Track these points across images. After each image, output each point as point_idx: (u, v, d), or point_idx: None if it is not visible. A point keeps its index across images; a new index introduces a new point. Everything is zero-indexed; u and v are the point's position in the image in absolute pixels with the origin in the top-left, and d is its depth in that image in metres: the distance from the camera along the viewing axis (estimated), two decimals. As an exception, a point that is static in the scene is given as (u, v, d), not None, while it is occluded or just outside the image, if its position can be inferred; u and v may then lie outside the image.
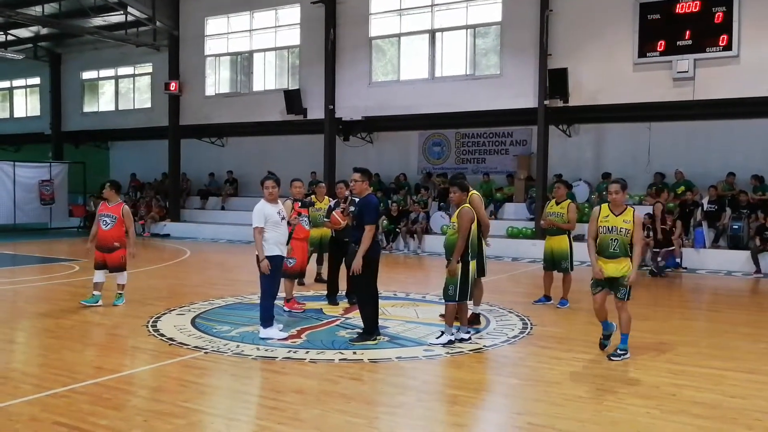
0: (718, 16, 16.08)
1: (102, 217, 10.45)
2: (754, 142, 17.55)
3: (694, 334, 9.27)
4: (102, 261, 10.44)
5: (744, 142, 17.65)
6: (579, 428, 5.43)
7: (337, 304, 10.62)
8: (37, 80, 31.16)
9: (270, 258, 8.34)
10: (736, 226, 16.11)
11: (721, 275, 15.14)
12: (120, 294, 10.58)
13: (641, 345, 8.31)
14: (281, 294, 9.43)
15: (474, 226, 8.00)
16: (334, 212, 10.48)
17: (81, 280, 11.28)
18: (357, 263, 8.00)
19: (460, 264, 7.92)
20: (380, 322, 8.54)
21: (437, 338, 8.21)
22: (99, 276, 10.48)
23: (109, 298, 10.46)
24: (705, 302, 12.77)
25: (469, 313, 8.94)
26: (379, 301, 8.54)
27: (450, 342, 8.08)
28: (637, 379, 6.77)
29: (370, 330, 8.20)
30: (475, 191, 8.95)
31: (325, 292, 10.98)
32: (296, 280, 11.01)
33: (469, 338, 8.27)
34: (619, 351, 7.48)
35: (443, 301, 8.28)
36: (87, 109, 29.51)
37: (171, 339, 8.34)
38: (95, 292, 10.47)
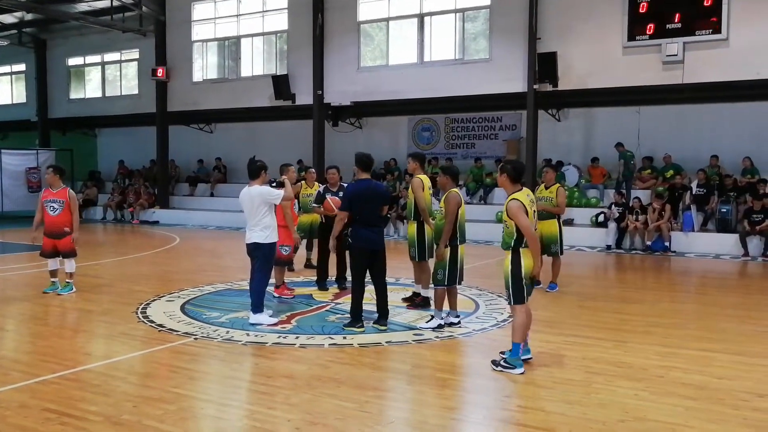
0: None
1: (48, 203, 10.25)
2: (742, 126, 17.60)
3: (682, 316, 9.32)
4: (52, 248, 10.36)
5: (733, 126, 17.71)
6: (568, 410, 5.46)
7: (327, 289, 10.62)
8: (22, 66, 30.85)
9: (273, 244, 8.45)
10: (725, 210, 16.18)
11: (709, 258, 15.22)
12: (68, 283, 10.46)
13: (630, 328, 8.38)
14: (271, 280, 9.43)
15: (462, 210, 7.99)
16: (328, 198, 10.45)
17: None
18: (330, 245, 8.46)
19: (449, 248, 7.93)
20: (370, 308, 8.51)
21: (427, 322, 8.23)
22: (53, 264, 10.47)
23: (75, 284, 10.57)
24: (693, 285, 12.83)
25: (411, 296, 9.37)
26: (370, 287, 8.46)
27: (440, 326, 8.10)
28: (626, 362, 6.81)
29: (354, 317, 8.18)
30: (420, 176, 9.00)
31: (315, 278, 10.98)
32: (286, 267, 11.01)
33: (459, 322, 8.30)
34: (502, 362, 6.53)
35: (432, 285, 8.32)
36: (73, 95, 29.25)
37: (161, 325, 8.32)
38: (53, 279, 10.48)
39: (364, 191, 8.12)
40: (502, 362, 6.53)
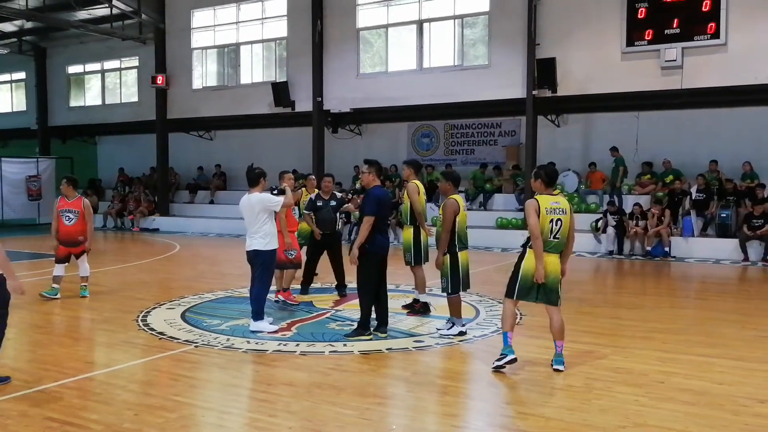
0: (706, 5, 16.11)
1: (64, 213, 10.51)
2: (741, 131, 17.61)
3: (682, 321, 9.32)
4: (66, 255, 10.62)
5: (731, 131, 17.71)
6: (568, 416, 5.47)
7: (308, 293, 10.69)
8: (22, 75, 30.90)
9: (273, 251, 8.47)
10: (724, 215, 16.19)
11: (709, 263, 15.23)
12: (85, 286, 10.79)
13: (630, 333, 8.39)
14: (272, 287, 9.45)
15: (460, 218, 7.96)
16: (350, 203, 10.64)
17: (69, 275, 11.24)
18: (352, 254, 7.90)
19: (449, 256, 7.93)
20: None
21: (448, 329, 8.22)
22: (60, 270, 10.63)
23: (66, 289, 10.77)
24: (693, 290, 12.84)
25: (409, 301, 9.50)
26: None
27: (461, 333, 8.09)
28: (626, 367, 6.82)
29: (364, 324, 8.15)
30: (415, 181, 9.16)
31: (318, 285, 11.00)
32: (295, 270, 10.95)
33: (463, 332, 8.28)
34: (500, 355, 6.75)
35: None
36: (73, 103, 29.29)
37: (161, 333, 8.33)
38: (54, 285, 10.62)
39: (384, 198, 8.18)
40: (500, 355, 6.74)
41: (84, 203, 10.60)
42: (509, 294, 6.79)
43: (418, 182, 9.27)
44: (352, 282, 9.19)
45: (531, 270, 6.58)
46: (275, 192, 8.84)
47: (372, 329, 8.18)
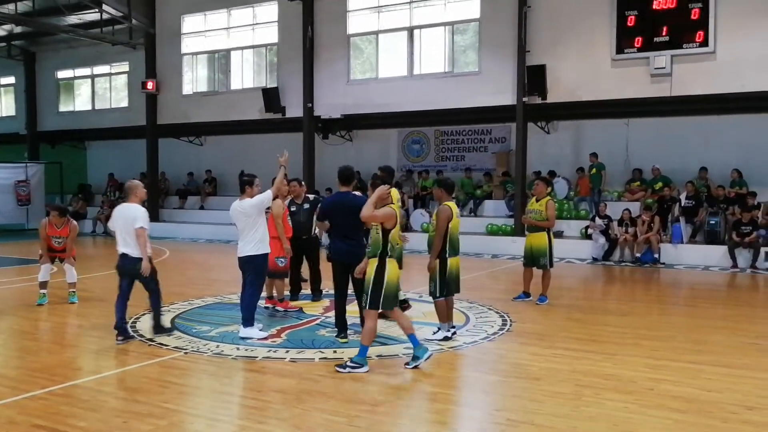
0: (695, 13, 16.20)
1: (54, 238, 10.82)
2: (730, 138, 17.70)
3: (671, 328, 9.35)
4: (51, 257, 10.90)
5: (720, 138, 17.81)
6: (557, 424, 5.47)
7: (298, 300, 10.67)
8: (11, 79, 30.75)
9: (266, 255, 8.50)
10: (713, 222, 16.26)
11: (698, 270, 15.29)
12: (74, 292, 10.87)
13: (619, 340, 8.40)
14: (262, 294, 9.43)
15: (453, 225, 8.02)
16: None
17: (58, 282, 11.21)
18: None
19: (438, 261, 7.99)
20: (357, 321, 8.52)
21: (434, 334, 8.29)
22: (45, 274, 10.74)
23: (54, 296, 10.88)
24: (682, 297, 12.87)
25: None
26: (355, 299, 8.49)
27: (446, 338, 8.14)
28: (615, 374, 6.83)
29: (337, 328, 8.34)
30: (393, 188, 9.21)
31: (308, 292, 10.97)
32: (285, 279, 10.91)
33: (453, 335, 8.30)
34: (348, 362, 7.02)
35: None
36: (63, 108, 29.20)
37: (150, 340, 8.30)
38: (42, 291, 10.71)
39: (339, 203, 8.25)
40: (348, 362, 6.95)
41: (71, 227, 10.92)
42: (376, 306, 6.96)
43: (392, 189, 9.29)
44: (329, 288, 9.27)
45: (394, 278, 6.98)
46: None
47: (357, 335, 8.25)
